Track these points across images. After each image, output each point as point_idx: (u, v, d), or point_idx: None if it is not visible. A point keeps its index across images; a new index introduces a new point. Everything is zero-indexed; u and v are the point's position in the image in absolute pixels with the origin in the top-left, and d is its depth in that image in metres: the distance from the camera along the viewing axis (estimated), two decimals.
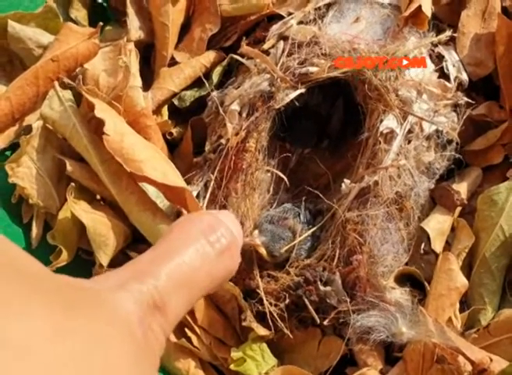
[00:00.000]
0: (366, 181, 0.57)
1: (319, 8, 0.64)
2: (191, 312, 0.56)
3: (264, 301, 0.56)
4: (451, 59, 0.63)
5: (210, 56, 0.68)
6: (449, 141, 0.61)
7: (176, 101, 0.67)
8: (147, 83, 0.66)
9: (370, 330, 0.54)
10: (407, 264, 0.58)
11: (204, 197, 0.60)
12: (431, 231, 0.57)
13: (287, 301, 0.56)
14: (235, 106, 0.62)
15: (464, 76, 0.63)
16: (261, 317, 0.58)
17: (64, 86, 0.60)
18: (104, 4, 0.74)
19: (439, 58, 0.63)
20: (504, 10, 0.64)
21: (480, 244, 0.57)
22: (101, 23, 0.63)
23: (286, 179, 0.63)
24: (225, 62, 0.67)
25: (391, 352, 0.57)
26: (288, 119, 0.63)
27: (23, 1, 0.68)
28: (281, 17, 0.66)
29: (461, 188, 0.60)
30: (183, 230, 0.27)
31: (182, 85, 0.67)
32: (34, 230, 0.60)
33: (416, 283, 0.57)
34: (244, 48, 0.65)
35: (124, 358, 0.20)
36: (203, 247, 0.27)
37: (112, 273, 0.24)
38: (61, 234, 0.58)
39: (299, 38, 0.62)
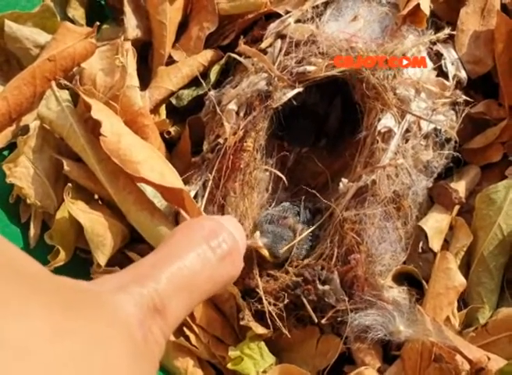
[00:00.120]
0: (364, 180, 0.57)
1: (317, 6, 0.64)
2: None
3: (264, 301, 0.56)
4: (450, 57, 0.62)
5: (207, 55, 0.68)
6: (448, 140, 0.60)
7: (173, 101, 0.67)
8: (145, 82, 0.66)
9: (368, 328, 0.54)
10: (404, 263, 0.58)
11: (203, 196, 0.60)
12: (429, 230, 0.57)
13: (286, 300, 0.57)
14: (232, 105, 0.62)
15: (463, 74, 0.62)
16: (259, 316, 0.58)
17: (61, 86, 0.60)
18: (102, 2, 0.74)
19: (437, 56, 0.62)
20: (503, 7, 0.63)
21: (478, 243, 0.57)
22: (97, 23, 0.63)
23: (284, 178, 0.63)
24: (222, 61, 0.67)
25: (389, 351, 0.57)
26: (286, 118, 0.63)
27: (20, 1, 0.68)
28: (279, 15, 0.65)
29: (459, 187, 0.60)
30: (185, 235, 0.28)
31: (179, 84, 0.67)
32: (32, 230, 0.60)
33: (414, 281, 0.57)
34: (242, 46, 0.65)
35: (123, 360, 0.20)
36: (204, 252, 0.27)
37: (113, 275, 0.24)
38: (58, 234, 0.58)
39: (296, 37, 0.62)
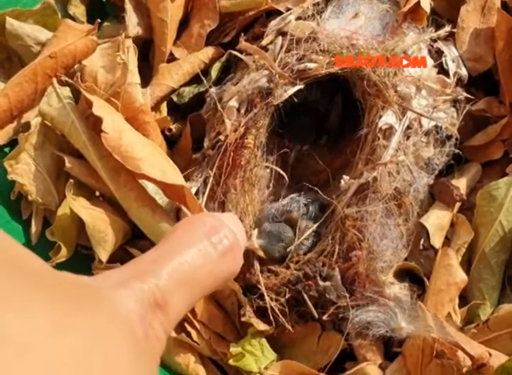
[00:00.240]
0: (365, 177, 0.57)
1: (318, 3, 0.64)
2: None
3: (266, 297, 0.56)
4: (450, 55, 0.62)
5: (208, 52, 0.68)
6: (449, 137, 0.60)
7: (174, 98, 0.67)
8: (146, 80, 0.66)
9: (369, 325, 0.54)
10: (406, 259, 0.58)
11: (204, 193, 0.60)
12: (430, 227, 0.58)
13: (287, 296, 0.57)
14: (233, 103, 0.62)
15: (464, 72, 0.62)
16: (260, 312, 0.58)
17: (62, 83, 0.60)
18: None
19: (438, 54, 0.62)
20: (504, 5, 0.63)
21: (479, 240, 0.57)
22: (98, 20, 0.63)
23: (285, 175, 0.63)
24: (223, 58, 0.67)
25: (390, 347, 0.57)
26: (286, 116, 0.63)
27: None
28: (279, 13, 0.65)
29: (460, 184, 0.60)
30: (186, 231, 0.28)
31: (180, 81, 0.67)
32: (34, 227, 0.60)
33: (415, 278, 0.57)
34: (243, 44, 0.65)
35: (124, 356, 0.20)
36: (205, 247, 0.27)
37: (114, 271, 0.24)
38: (60, 230, 0.58)
39: (297, 34, 0.62)
